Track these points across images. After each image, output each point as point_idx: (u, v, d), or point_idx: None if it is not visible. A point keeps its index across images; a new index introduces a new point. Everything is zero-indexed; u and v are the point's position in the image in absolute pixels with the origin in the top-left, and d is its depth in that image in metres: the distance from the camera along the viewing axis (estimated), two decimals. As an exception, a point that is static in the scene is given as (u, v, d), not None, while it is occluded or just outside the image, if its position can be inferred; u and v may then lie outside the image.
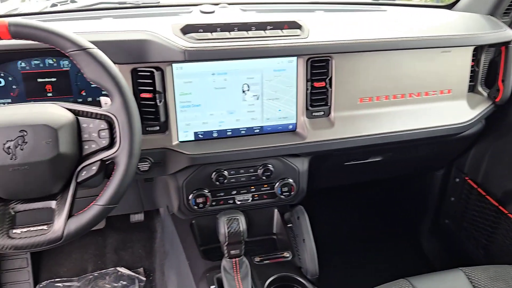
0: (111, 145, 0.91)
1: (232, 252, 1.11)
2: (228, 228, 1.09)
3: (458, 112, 1.38)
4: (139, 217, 1.90)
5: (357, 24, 1.33)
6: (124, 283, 1.85)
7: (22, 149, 0.85)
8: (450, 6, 1.62)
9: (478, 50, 1.40)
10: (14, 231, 0.88)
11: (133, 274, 1.89)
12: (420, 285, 1.19)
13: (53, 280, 1.86)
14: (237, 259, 1.12)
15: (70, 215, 0.90)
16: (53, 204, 0.92)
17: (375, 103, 1.30)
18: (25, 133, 0.85)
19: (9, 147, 0.84)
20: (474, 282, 1.20)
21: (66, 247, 1.96)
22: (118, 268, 1.91)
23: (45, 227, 0.89)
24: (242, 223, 1.10)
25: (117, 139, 0.90)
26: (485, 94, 1.45)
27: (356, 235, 2.04)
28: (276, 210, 1.47)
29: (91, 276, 1.88)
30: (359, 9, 1.57)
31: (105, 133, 0.91)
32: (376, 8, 1.57)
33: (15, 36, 0.85)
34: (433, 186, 1.87)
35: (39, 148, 0.85)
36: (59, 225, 0.89)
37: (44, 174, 0.87)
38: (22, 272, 1.82)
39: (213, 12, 1.33)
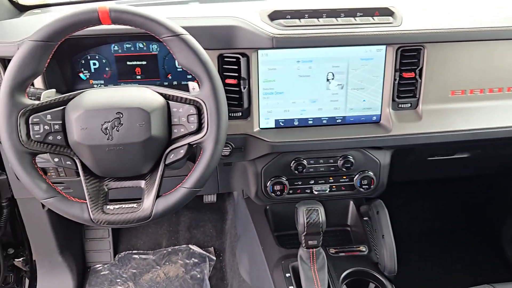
0: (198, 130, 0.93)
1: (310, 242, 1.10)
2: (307, 218, 1.08)
3: None
4: (212, 198, 1.95)
5: (453, 11, 1.24)
6: (196, 260, 1.92)
7: (118, 130, 0.89)
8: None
9: None
10: (108, 207, 0.93)
11: (204, 252, 1.95)
12: (507, 293, 1.11)
13: (131, 251, 1.97)
14: (314, 249, 1.12)
15: (158, 195, 0.93)
16: (142, 183, 0.96)
17: (468, 96, 1.21)
18: (121, 115, 0.89)
19: (106, 128, 0.89)
20: None
21: (143, 222, 2.06)
22: (190, 246, 1.98)
23: (135, 205, 0.94)
24: (321, 214, 1.09)
25: (205, 124, 0.92)
26: None
27: (435, 234, 1.95)
28: (351, 202, 1.44)
29: (165, 251, 1.97)
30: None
31: (194, 118, 0.93)
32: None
33: (115, 21, 0.89)
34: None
35: (133, 130, 0.89)
36: (148, 204, 0.92)
37: (136, 155, 0.91)
38: (104, 241, 1.94)
39: (299, -4, 1.31)
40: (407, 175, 1.56)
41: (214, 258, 1.94)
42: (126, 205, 0.94)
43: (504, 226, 1.91)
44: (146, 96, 0.92)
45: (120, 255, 1.96)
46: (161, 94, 0.94)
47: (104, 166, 0.93)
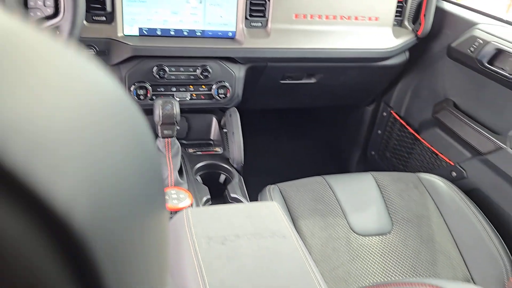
0: (55, 14, 1.00)
1: (165, 132, 1.23)
2: (162, 110, 1.21)
3: (384, 38, 1.54)
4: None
5: None
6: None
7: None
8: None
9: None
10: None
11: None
12: (333, 181, 1.36)
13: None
14: (169, 139, 1.24)
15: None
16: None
17: (309, 20, 1.43)
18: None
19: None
20: (379, 182, 1.38)
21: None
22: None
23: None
24: (175, 107, 1.22)
25: (61, 9, 0.99)
26: (410, 28, 1.61)
27: (286, 148, 2.23)
28: (214, 118, 1.60)
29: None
30: None
31: (50, 2, 0.99)
32: None
33: None
34: (363, 120, 2.05)
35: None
36: None
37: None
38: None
39: None
40: (263, 101, 1.76)
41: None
42: None
43: (351, 154, 2.21)
44: (1, -26, 0.96)
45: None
46: (17, -24, 0.98)
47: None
